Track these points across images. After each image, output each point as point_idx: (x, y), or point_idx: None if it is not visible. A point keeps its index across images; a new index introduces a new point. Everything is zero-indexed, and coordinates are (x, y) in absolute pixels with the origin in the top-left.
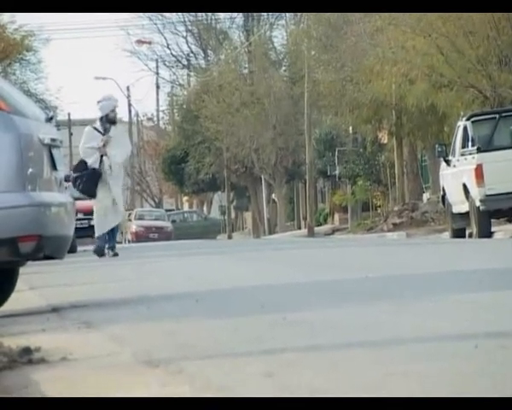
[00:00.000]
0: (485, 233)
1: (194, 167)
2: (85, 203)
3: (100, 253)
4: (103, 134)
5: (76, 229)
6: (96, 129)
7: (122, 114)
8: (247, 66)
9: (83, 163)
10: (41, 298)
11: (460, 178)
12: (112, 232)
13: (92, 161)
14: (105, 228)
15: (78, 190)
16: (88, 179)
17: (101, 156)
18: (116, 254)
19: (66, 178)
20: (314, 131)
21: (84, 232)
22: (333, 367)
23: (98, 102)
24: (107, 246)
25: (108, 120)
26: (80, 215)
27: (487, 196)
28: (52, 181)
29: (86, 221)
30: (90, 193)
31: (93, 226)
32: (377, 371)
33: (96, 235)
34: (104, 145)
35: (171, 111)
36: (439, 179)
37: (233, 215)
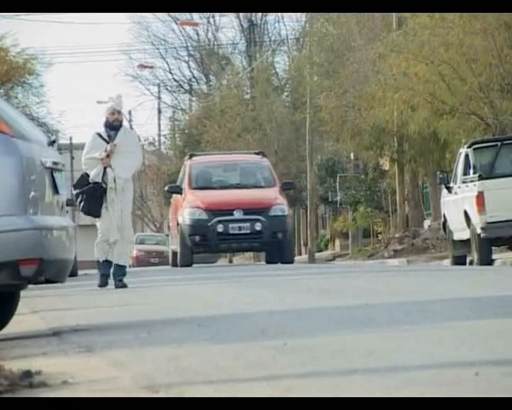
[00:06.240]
0: (486, 261)
1: None
2: (245, 193)
3: (102, 282)
4: (108, 142)
5: (230, 237)
6: (100, 136)
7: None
8: (249, 91)
9: (85, 177)
10: (42, 321)
11: (461, 205)
12: (117, 265)
13: (94, 175)
14: (106, 256)
15: (81, 211)
16: (89, 197)
17: (105, 168)
18: (122, 286)
19: (68, 202)
20: (315, 157)
21: (247, 242)
22: (334, 394)
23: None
24: (112, 275)
25: (108, 125)
26: (238, 213)
27: (488, 223)
28: (54, 205)
29: (248, 224)
30: (94, 213)
31: (261, 232)
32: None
33: (100, 260)
34: (108, 155)
35: (173, 136)
36: (441, 206)
37: None
